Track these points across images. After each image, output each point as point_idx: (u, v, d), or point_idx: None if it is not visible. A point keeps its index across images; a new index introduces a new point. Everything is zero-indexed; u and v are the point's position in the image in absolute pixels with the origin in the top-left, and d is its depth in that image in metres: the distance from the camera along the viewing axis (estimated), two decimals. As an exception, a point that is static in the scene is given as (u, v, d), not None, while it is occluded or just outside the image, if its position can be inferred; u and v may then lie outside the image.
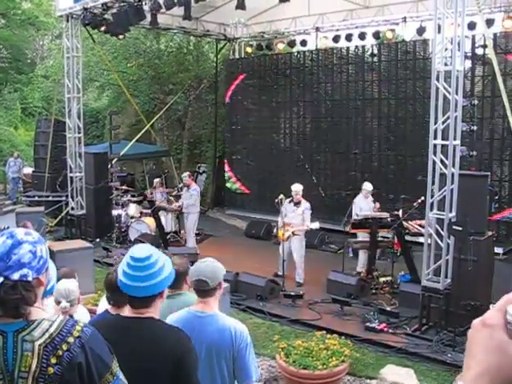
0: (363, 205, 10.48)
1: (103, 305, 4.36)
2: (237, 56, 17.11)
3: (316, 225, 9.99)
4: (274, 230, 10.75)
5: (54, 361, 2.01)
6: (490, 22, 11.45)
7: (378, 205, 10.75)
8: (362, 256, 10.36)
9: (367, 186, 10.64)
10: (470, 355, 0.96)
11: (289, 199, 10.09)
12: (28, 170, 19.01)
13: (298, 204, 9.98)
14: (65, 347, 2.03)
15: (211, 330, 3.39)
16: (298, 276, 10.24)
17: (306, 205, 10.02)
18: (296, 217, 9.98)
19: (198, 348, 3.20)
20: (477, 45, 12.03)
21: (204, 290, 3.42)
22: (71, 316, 3.87)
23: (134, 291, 2.74)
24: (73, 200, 13.50)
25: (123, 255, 9.95)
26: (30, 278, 2.05)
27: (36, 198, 14.88)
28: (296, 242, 10.12)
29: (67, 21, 13.21)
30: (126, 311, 3.70)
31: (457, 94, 7.44)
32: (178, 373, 2.77)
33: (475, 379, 0.93)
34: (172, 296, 3.84)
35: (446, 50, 7.57)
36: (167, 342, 2.81)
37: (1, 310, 2.02)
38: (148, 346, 2.75)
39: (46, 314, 2.16)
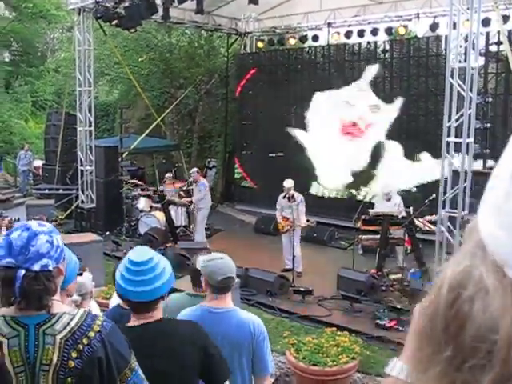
0: (382, 208, 10.26)
1: (115, 299, 4.37)
2: (248, 51, 17.08)
3: (313, 221, 10.57)
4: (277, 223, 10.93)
5: (74, 355, 2.02)
6: (505, 19, 11.34)
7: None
8: (401, 251, 10.22)
9: (384, 189, 10.54)
10: (408, 335, 0.98)
11: (282, 195, 10.38)
12: (38, 163, 19.10)
13: (291, 198, 10.23)
14: (85, 341, 2.04)
15: (231, 325, 3.39)
16: (298, 266, 10.45)
17: (299, 198, 10.34)
18: (293, 211, 10.23)
19: (219, 344, 3.20)
20: (491, 41, 11.95)
21: (230, 286, 3.42)
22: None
23: (138, 296, 2.67)
24: (83, 193, 13.54)
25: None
26: (50, 268, 2.07)
27: (46, 191, 14.96)
28: (297, 234, 10.46)
29: (79, 14, 13.23)
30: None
31: (471, 91, 7.41)
32: (207, 358, 2.78)
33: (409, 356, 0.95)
34: (196, 296, 3.82)
35: (461, 46, 7.52)
36: (185, 335, 2.82)
37: (24, 303, 2.04)
38: (173, 346, 2.74)
39: (66, 307, 2.17)
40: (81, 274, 3.85)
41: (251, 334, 3.39)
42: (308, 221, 10.54)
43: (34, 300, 2.04)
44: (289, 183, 10.34)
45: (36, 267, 2.04)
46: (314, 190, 15.06)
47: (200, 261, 3.56)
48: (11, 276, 2.01)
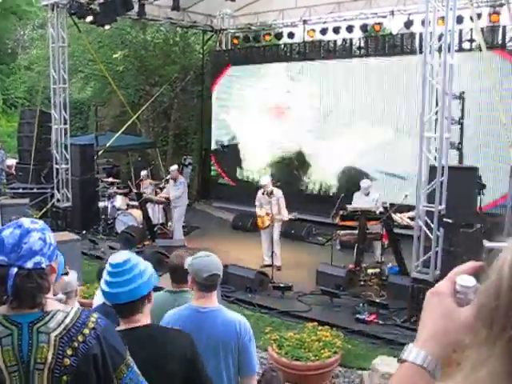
0: (361, 203, 10.38)
1: (100, 297, 4.33)
2: (223, 48, 17.04)
3: (295, 214, 10.59)
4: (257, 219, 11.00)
5: (69, 352, 2.01)
6: (477, 16, 11.51)
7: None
8: (378, 246, 10.31)
9: (363, 183, 10.62)
10: (422, 321, 1.07)
11: (261, 191, 10.56)
12: (11, 162, 18.78)
13: (270, 194, 10.36)
14: (80, 339, 2.02)
15: (216, 324, 3.37)
16: (278, 260, 10.54)
17: (278, 193, 10.49)
18: (272, 207, 10.32)
19: (204, 343, 3.19)
20: (463, 39, 12.13)
21: (216, 284, 3.42)
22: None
23: (117, 298, 2.69)
24: (58, 192, 13.38)
25: (110, 248, 9.84)
26: (43, 265, 2.05)
27: (20, 190, 14.71)
28: (276, 229, 10.58)
29: (52, 10, 13.05)
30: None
31: (447, 86, 7.50)
32: (192, 372, 2.77)
33: (424, 342, 1.04)
34: (176, 292, 3.81)
35: (439, 41, 7.61)
36: (174, 345, 2.79)
37: (17, 302, 2.01)
38: (155, 353, 2.71)
39: (59, 305, 2.15)
40: (66, 274, 3.81)
41: (237, 334, 3.38)
42: (290, 213, 10.61)
43: (27, 298, 2.02)
44: (265, 180, 10.61)
45: (29, 265, 2.02)
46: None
47: (187, 259, 3.55)
48: (3, 274, 1.98)
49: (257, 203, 10.71)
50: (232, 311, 3.67)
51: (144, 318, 2.76)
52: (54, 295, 3.71)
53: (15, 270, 1.99)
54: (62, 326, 2.03)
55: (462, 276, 1.07)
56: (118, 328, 2.75)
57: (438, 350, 1.03)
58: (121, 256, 2.73)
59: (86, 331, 2.04)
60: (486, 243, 1.12)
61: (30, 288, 2.00)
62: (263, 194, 10.47)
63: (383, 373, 5.98)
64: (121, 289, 2.65)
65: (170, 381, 2.73)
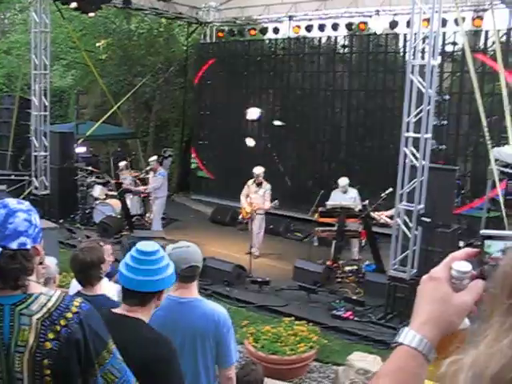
0: (339, 200, 10.40)
1: (74, 286, 4.29)
2: (208, 40, 16.95)
3: (276, 202, 10.82)
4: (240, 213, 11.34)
5: (51, 336, 1.98)
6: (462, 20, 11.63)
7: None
8: (356, 244, 10.40)
9: (341, 181, 10.66)
10: (418, 305, 1.09)
11: (252, 180, 10.99)
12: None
13: (260, 185, 10.87)
14: (63, 323, 2.00)
15: (195, 315, 3.34)
16: (257, 250, 10.86)
17: (267, 186, 10.94)
18: (258, 197, 10.77)
19: (182, 333, 3.18)
20: (446, 42, 12.27)
21: (195, 276, 3.39)
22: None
23: (134, 285, 2.65)
24: (36, 179, 13.21)
25: (87, 237, 9.74)
26: (28, 247, 2.02)
27: (-3, 177, 14.52)
28: (258, 220, 10.87)
29: (36, -5, 12.85)
30: (97, 290, 3.65)
31: (430, 88, 7.57)
32: (165, 373, 2.70)
33: (420, 325, 1.06)
34: None
35: (423, 43, 7.68)
36: (148, 345, 2.68)
37: (0, 282, 1.98)
38: (127, 346, 2.64)
39: (43, 288, 2.13)
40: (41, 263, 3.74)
41: (215, 325, 3.36)
42: (271, 201, 10.87)
43: (11, 279, 1.99)
44: (258, 169, 10.96)
45: (13, 245, 1.99)
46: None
47: (167, 249, 3.53)
48: None
49: (243, 192, 11.01)
50: (212, 302, 3.66)
51: (143, 312, 2.71)
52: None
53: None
54: (45, 310, 2.00)
55: (457, 262, 1.09)
56: (115, 310, 2.76)
57: (433, 334, 1.05)
58: (151, 245, 2.71)
59: (69, 315, 2.02)
60: (482, 230, 1.14)
61: (13, 269, 1.97)
62: (253, 183, 10.88)
63: (358, 368, 6.03)
64: (140, 277, 2.62)
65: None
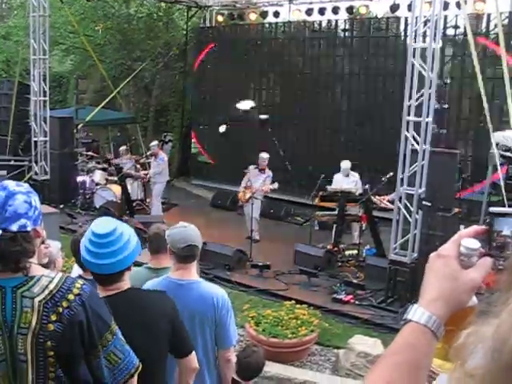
0: (341, 183, 10.40)
1: (76, 270, 4.29)
2: (208, 24, 16.84)
3: (275, 185, 10.92)
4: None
5: (54, 318, 1.99)
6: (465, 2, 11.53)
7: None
8: (357, 228, 10.39)
9: (343, 164, 10.62)
10: (427, 282, 1.10)
11: (253, 166, 11.09)
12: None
13: (262, 171, 10.97)
14: (65, 304, 2.00)
15: (194, 296, 3.36)
16: (256, 234, 10.88)
17: (269, 173, 11.05)
18: (259, 182, 10.91)
19: (181, 315, 3.20)
20: (448, 25, 12.19)
21: (193, 255, 3.40)
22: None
23: (100, 269, 2.62)
24: (36, 165, 13.19)
25: (88, 222, 9.68)
26: (28, 229, 2.02)
27: (-3, 162, 14.48)
28: (255, 204, 10.79)
29: (34, -22, 12.74)
30: None
31: (432, 71, 7.53)
32: (173, 332, 2.80)
33: (429, 302, 1.06)
34: (158, 270, 3.76)
35: (424, 26, 7.62)
36: (156, 306, 2.82)
37: (1, 265, 1.98)
38: (139, 316, 2.72)
39: (44, 270, 2.13)
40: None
41: (214, 307, 3.38)
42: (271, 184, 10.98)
43: (11, 262, 1.99)
44: (264, 154, 11.09)
45: (14, 227, 1.99)
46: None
47: (167, 230, 3.54)
48: None
49: (245, 178, 11.06)
50: (211, 284, 3.68)
51: (123, 284, 2.72)
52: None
53: (0, 232, 1.97)
54: (47, 292, 2.01)
55: (466, 239, 1.09)
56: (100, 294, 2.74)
57: (442, 311, 1.06)
58: (106, 226, 2.60)
59: (71, 297, 2.02)
60: (491, 208, 1.14)
61: (14, 251, 1.97)
62: (256, 168, 10.99)
63: (359, 351, 6.07)
64: (105, 260, 2.57)
65: (154, 342, 2.74)
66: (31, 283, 2.01)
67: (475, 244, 1.09)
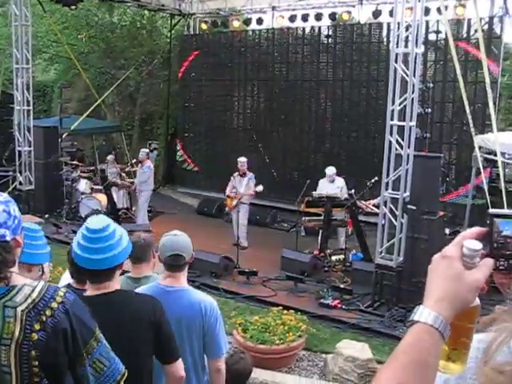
0: (327, 189, 10.39)
1: (65, 279, 4.26)
2: (191, 32, 16.86)
3: (260, 187, 10.96)
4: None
5: (37, 327, 1.96)
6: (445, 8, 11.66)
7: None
8: (343, 233, 10.41)
9: (328, 170, 10.66)
10: (431, 283, 1.12)
11: (236, 173, 11.19)
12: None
13: (243, 175, 11.14)
14: (48, 313, 1.98)
15: (182, 304, 3.33)
16: (244, 240, 11.02)
17: (249, 175, 11.19)
18: (243, 187, 11.05)
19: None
20: (430, 30, 12.31)
21: (179, 264, 3.38)
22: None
23: (91, 264, 2.65)
24: (21, 175, 13.10)
25: (74, 232, 9.63)
26: (8, 238, 1.97)
27: (-20, 173, 14.37)
28: (242, 210, 10.96)
29: (16, -13, 12.68)
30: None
31: (414, 76, 7.59)
32: (159, 337, 2.78)
33: (435, 303, 1.08)
34: (138, 279, 3.74)
35: (406, 31, 7.69)
36: (143, 310, 2.81)
37: None
38: (125, 318, 2.73)
39: (25, 279, 2.10)
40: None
41: (201, 314, 3.34)
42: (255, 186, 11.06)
43: None
44: (241, 159, 11.25)
45: None
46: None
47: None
48: None
49: (230, 184, 11.20)
50: (199, 291, 3.65)
51: (113, 284, 2.76)
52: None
53: None
54: (29, 300, 1.98)
55: (469, 240, 1.12)
56: (86, 293, 2.76)
57: (448, 311, 1.08)
58: (99, 221, 2.68)
59: (55, 305, 2.00)
60: (491, 209, 1.17)
61: None
62: (238, 175, 11.11)
63: (347, 356, 6.07)
64: (97, 255, 2.62)
65: (138, 344, 2.74)
66: (13, 292, 1.99)
67: (477, 245, 1.11)
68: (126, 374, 2.23)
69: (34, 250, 2.80)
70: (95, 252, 2.62)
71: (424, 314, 1.08)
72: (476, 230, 1.15)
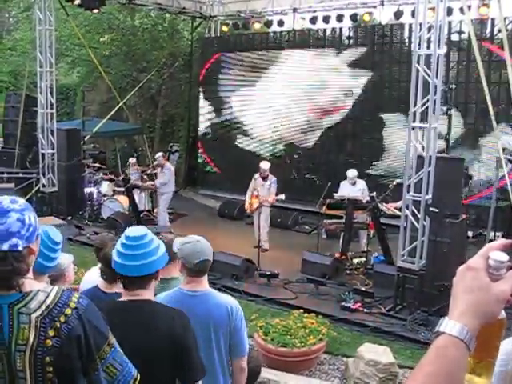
0: (348, 191, 10.31)
1: (91, 276, 4.26)
2: (212, 35, 16.90)
3: (281, 196, 10.70)
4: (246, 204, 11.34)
5: (52, 333, 1.96)
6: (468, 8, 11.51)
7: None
8: (364, 235, 10.32)
9: (350, 173, 10.59)
10: (457, 295, 1.11)
11: (258, 174, 11.08)
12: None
13: (265, 179, 10.95)
14: (62, 319, 1.98)
15: (208, 307, 3.37)
16: (265, 243, 10.91)
17: (272, 179, 10.99)
18: (264, 190, 10.86)
19: (196, 327, 3.18)
20: (452, 31, 12.16)
21: (206, 269, 3.40)
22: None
23: (130, 271, 2.75)
24: (44, 177, 13.26)
25: (96, 233, 9.72)
26: (20, 248, 1.96)
27: (5, 175, 14.54)
28: (264, 212, 10.88)
29: (40, -8, 12.84)
30: (119, 287, 3.65)
31: (436, 77, 7.50)
32: (179, 352, 2.77)
33: (460, 315, 1.07)
34: (165, 280, 3.75)
35: (428, 32, 7.60)
36: (167, 323, 2.82)
37: None
38: (147, 329, 2.76)
39: (39, 285, 2.10)
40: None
41: (229, 316, 3.39)
42: (277, 194, 10.79)
43: (3, 280, 1.95)
44: (265, 164, 11.05)
45: (4, 247, 1.93)
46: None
47: (176, 243, 3.51)
48: None
49: (250, 186, 11.08)
50: (223, 294, 3.69)
51: (147, 294, 2.84)
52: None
53: None
54: (44, 307, 1.98)
55: (495, 252, 1.11)
56: (120, 299, 2.88)
57: (473, 323, 1.07)
58: (138, 230, 2.82)
59: (68, 311, 2.00)
60: None
61: (4, 271, 1.93)
62: (260, 176, 10.98)
63: (368, 360, 6.00)
64: (134, 262, 2.73)
65: (158, 357, 2.75)
66: (28, 299, 1.99)
67: (504, 257, 1.10)
68: (138, 378, 2.23)
69: (46, 261, 2.89)
70: (132, 258, 2.74)
71: (449, 325, 1.07)
72: (502, 241, 1.14)
